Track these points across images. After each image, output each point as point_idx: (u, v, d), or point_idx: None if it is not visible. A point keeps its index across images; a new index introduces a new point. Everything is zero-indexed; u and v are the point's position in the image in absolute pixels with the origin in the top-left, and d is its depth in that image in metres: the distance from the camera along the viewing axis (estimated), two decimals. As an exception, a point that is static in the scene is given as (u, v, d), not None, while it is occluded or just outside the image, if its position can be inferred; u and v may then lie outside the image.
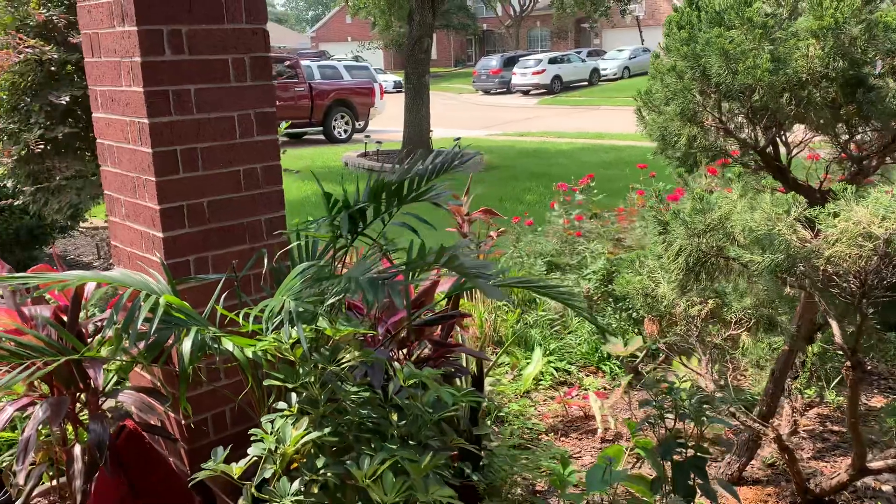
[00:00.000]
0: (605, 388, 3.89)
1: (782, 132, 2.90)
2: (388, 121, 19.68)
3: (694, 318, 2.88)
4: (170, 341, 2.19)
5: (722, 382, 3.03)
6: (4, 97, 3.55)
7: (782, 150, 2.96)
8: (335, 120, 17.76)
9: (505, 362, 4.12)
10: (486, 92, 32.47)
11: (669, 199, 3.74)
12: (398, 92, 28.30)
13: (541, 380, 3.94)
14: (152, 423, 2.47)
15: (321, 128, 17.55)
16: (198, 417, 2.53)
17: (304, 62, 17.93)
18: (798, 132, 2.97)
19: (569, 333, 4.30)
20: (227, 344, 2.17)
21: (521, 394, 3.80)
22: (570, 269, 4.59)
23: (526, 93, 30.73)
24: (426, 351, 2.83)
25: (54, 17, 3.52)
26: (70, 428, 2.44)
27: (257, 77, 2.52)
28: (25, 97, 3.59)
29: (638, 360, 3.93)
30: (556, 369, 4.04)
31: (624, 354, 3.82)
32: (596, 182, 5.79)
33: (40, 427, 2.25)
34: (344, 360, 2.06)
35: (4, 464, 2.52)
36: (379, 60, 47.24)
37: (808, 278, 2.28)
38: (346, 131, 17.97)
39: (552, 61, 31.02)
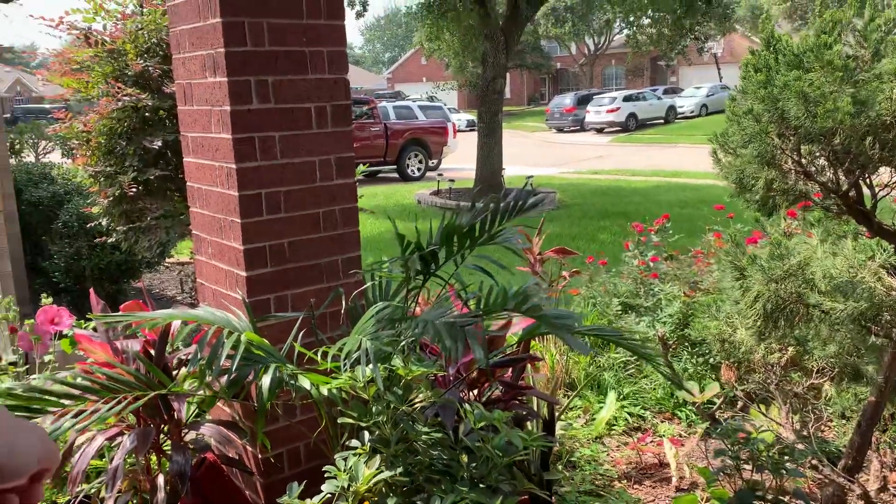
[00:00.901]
0: (680, 435, 3.79)
1: (866, 175, 2.81)
2: (460, 159, 19.92)
3: (773, 365, 2.80)
4: (249, 377, 2.27)
5: (804, 433, 2.91)
6: (102, 141, 3.80)
7: (866, 192, 2.88)
8: (409, 158, 18.09)
9: (577, 405, 4.07)
10: (560, 130, 32.49)
11: (748, 242, 3.66)
12: (471, 130, 28.69)
13: (614, 424, 3.87)
14: (230, 455, 2.55)
15: (395, 166, 17.90)
16: (273, 452, 2.60)
17: (380, 103, 18.40)
18: (884, 174, 2.88)
19: (643, 377, 4.22)
20: (304, 381, 2.24)
21: (593, 438, 3.74)
22: (645, 311, 4.52)
23: (600, 131, 30.61)
24: (496, 392, 2.84)
25: (150, 68, 3.75)
26: (154, 458, 2.55)
27: (337, 124, 2.63)
28: (121, 141, 3.83)
29: (715, 406, 3.82)
30: (630, 414, 3.96)
31: (700, 401, 3.72)
32: (672, 222, 5.71)
33: (127, 456, 2.36)
34: (416, 401, 2.09)
35: (93, 490, 2.64)
36: (452, 100, 47.97)
37: (894, 328, 2.19)
38: (419, 169, 18.27)
39: (627, 99, 30.85)
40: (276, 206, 2.53)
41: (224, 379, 2.27)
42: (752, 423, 3.21)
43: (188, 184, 2.78)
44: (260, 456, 2.57)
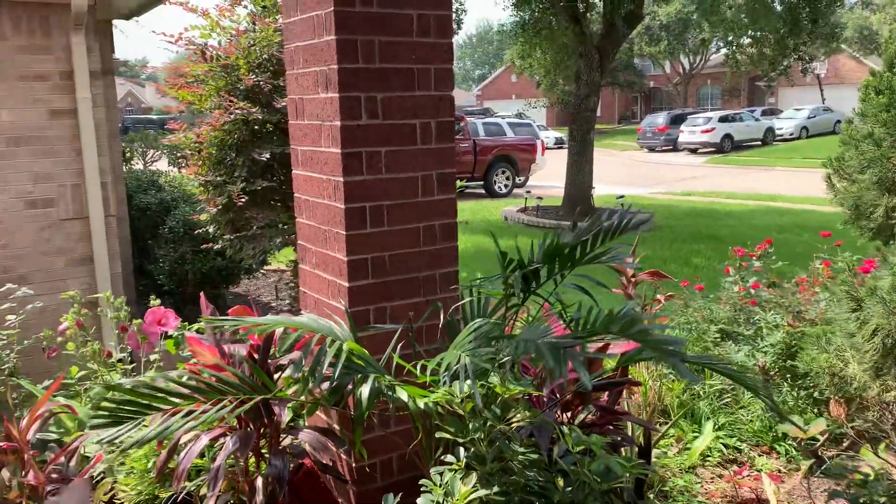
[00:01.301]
0: (779, 471, 3.62)
1: None
2: (548, 177, 19.79)
3: (890, 403, 2.64)
4: (349, 386, 2.31)
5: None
6: (213, 152, 3.97)
7: None
8: (496, 175, 18.12)
9: (669, 433, 3.95)
10: (651, 149, 31.87)
11: (859, 272, 3.48)
12: (559, 148, 28.49)
13: (708, 455, 3.73)
14: (324, 461, 2.60)
15: (482, 182, 17.96)
16: (367, 461, 2.63)
17: (469, 119, 18.53)
18: None
19: (740, 408, 4.06)
20: (402, 393, 2.26)
21: (686, 468, 3.62)
22: (744, 339, 4.35)
23: (693, 151, 29.85)
24: (590, 416, 2.79)
25: (261, 83, 3.91)
26: (252, 460, 2.62)
27: (441, 140, 2.66)
28: (231, 152, 4.00)
29: (819, 443, 3.63)
30: (725, 445, 3.81)
31: (804, 436, 3.55)
32: (771, 247, 5.49)
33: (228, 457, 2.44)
34: (513, 420, 2.08)
35: (194, 487, 2.74)
36: (541, 117, 47.83)
37: None
38: (506, 186, 18.27)
39: (723, 119, 29.99)
40: (380, 220, 2.58)
41: (324, 386, 2.32)
42: (866, 463, 3.04)
43: (296, 195, 2.87)
44: (354, 465, 2.61)
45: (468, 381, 2.01)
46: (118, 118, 5.78)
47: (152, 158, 13.69)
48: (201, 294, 2.78)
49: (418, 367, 2.16)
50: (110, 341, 5.09)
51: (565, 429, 2.18)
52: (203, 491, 2.72)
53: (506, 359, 2.12)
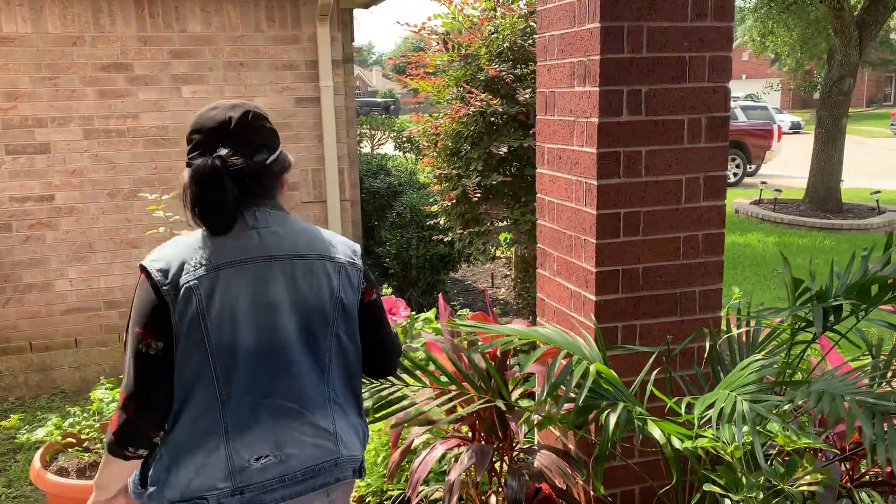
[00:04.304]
0: None
1: None
2: (783, 165, 18.10)
3: None
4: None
5: None
6: (449, 144, 3.90)
7: None
8: (725, 162, 16.83)
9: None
10: (907, 136, 28.11)
11: None
12: (794, 133, 25.90)
13: None
14: (558, 484, 2.41)
15: (710, 170, 16.75)
16: (607, 491, 2.40)
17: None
18: None
19: None
20: (655, 430, 2.00)
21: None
22: None
23: (962, 139, 25.88)
24: (873, 470, 2.34)
25: (503, 73, 3.75)
26: (484, 474, 2.50)
27: (712, 138, 2.33)
28: (466, 144, 3.90)
29: None
30: None
31: None
32: None
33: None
34: (801, 481, 1.74)
35: (422, 493, 2.68)
36: (775, 99, 44.03)
37: None
38: (735, 175, 16.93)
39: None
40: (634, 228, 2.31)
41: (566, 406, 2.12)
42: None
43: (538, 195, 2.68)
44: (592, 494, 2.39)
45: (745, 428, 1.71)
46: (355, 105, 5.98)
47: (379, 141, 14.32)
48: (440, 296, 2.69)
49: (682, 406, 1.88)
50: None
51: (864, 495, 1.79)
52: (433, 495, 2.66)
53: (787, 406, 1.78)
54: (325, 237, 1.70)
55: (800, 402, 1.65)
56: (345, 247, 1.72)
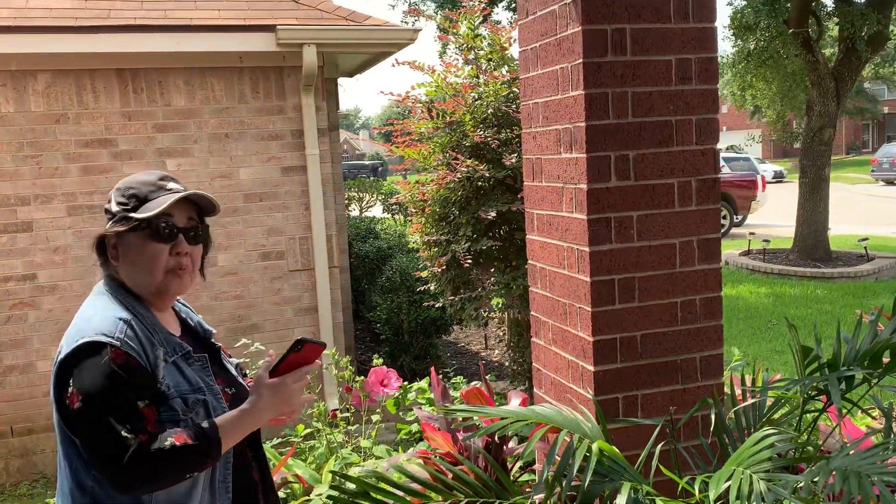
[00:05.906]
0: None
1: None
2: (769, 214, 18.22)
3: None
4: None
5: None
6: (437, 209, 3.87)
7: None
8: (712, 214, 16.94)
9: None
10: (889, 182, 28.49)
11: None
12: (778, 182, 26.23)
13: None
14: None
15: (696, 222, 16.85)
16: (614, 574, 2.27)
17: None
18: None
19: None
20: (664, 509, 1.90)
21: None
22: None
23: (942, 183, 26.27)
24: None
25: (488, 138, 3.75)
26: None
27: (703, 201, 2.29)
28: (454, 210, 3.87)
29: None
30: None
31: None
32: None
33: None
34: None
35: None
36: (756, 150, 44.80)
37: None
38: (722, 226, 17.02)
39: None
40: (630, 294, 2.25)
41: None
42: None
43: (529, 262, 2.62)
44: (600, 578, 2.26)
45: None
46: (342, 171, 5.98)
47: (367, 204, 14.35)
48: (432, 369, 2.60)
49: (696, 486, 1.78)
50: (332, 397, 5.18)
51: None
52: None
53: (802, 482, 1.69)
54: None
55: (821, 482, 1.56)
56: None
